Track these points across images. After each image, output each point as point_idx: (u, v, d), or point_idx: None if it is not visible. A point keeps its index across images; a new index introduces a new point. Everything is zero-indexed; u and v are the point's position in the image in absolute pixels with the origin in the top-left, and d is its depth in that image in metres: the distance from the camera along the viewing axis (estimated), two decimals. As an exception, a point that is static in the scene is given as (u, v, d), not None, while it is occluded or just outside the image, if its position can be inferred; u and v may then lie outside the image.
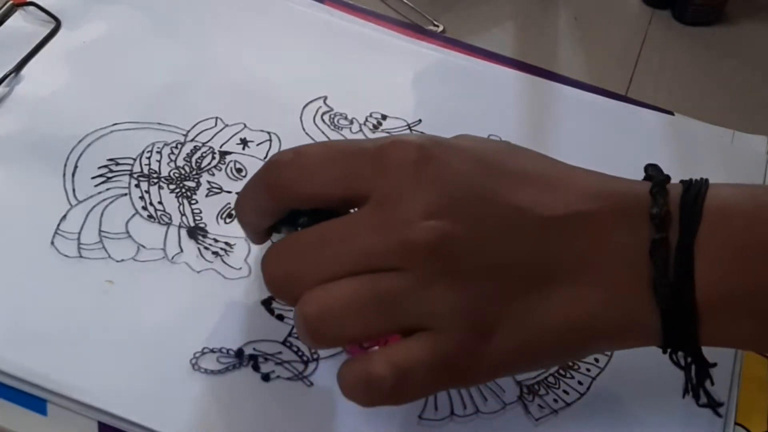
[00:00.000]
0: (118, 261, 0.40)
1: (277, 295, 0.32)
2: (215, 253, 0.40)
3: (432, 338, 0.29)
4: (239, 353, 0.37)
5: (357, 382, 0.30)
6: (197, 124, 0.45)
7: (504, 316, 0.30)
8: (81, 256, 0.39)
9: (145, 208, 0.41)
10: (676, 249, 0.30)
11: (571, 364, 0.38)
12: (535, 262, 0.30)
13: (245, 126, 0.45)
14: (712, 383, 0.34)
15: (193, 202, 0.42)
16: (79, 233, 0.40)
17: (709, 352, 0.37)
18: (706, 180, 0.32)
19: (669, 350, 0.32)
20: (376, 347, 0.38)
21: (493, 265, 0.30)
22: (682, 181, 0.32)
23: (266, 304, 0.39)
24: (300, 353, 0.38)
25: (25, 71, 0.46)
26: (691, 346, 0.31)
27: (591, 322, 0.31)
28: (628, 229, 0.30)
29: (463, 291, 0.29)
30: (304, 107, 0.47)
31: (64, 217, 0.41)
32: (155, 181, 0.43)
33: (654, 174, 0.32)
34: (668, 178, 0.32)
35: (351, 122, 0.46)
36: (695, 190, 0.31)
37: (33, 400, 0.36)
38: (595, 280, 0.30)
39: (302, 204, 0.32)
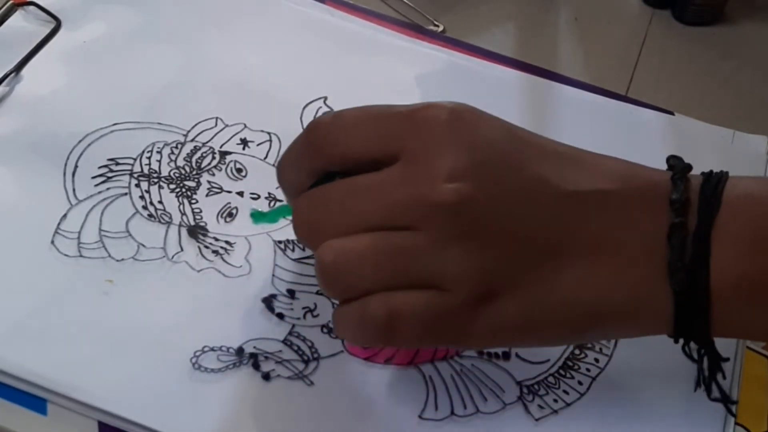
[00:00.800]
0: (118, 260, 0.40)
1: (302, 241, 0.33)
2: (215, 252, 0.40)
3: (435, 293, 0.30)
4: (239, 351, 0.37)
5: (351, 318, 0.31)
6: (197, 124, 0.45)
7: (512, 284, 0.31)
8: (81, 256, 0.39)
9: (145, 207, 0.41)
10: (693, 234, 0.30)
11: (571, 363, 0.38)
12: (552, 235, 0.31)
13: (245, 126, 0.45)
14: (724, 377, 0.34)
15: (194, 201, 0.42)
16: (80, 232, 0.40)
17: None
18: (727, 172, 0.32)
19: (682, 342, 0.32)
20: (377, 353, 0.38)
21: (510, 233, 0.30)
22: (702, 173, 0.32)
23: (267, 302, 0.39)
24: (300, 352, 0.38)
25: (25, 71, 0.46)
26: (703, 335, 0.32)
27: (600, 301, 0.31)
28: (648, 212, 0.31)
29: (476, 256, 0.30)
30: (305, 107, 0.47)
31: (65, 216, 0.41)
32: (155, 180, 0.43)
33: (676, 163, 0.32)
34: (690, 167, 0.32)
35: (351, 122, 0.46)
36: (715, 179, 0.31)
37: (33, 400, 0.36)
38: (610, 259, 0.31)
39: (338, 164, 0.32)
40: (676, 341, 0.32)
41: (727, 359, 0.33)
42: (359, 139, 0.32)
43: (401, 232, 0.30)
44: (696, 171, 0.33)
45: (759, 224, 0.30)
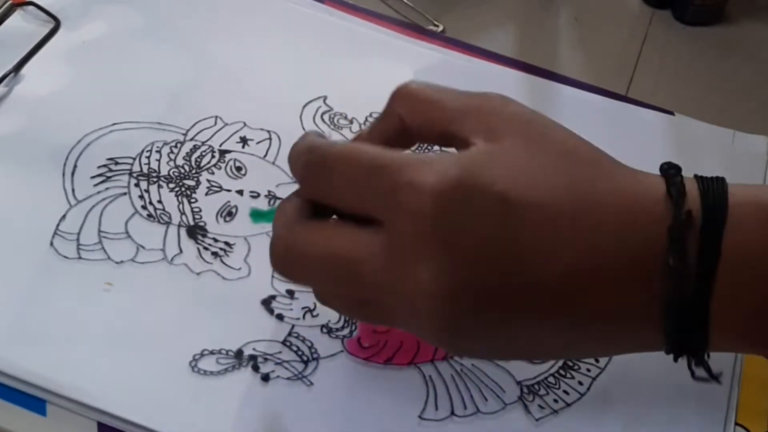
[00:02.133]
0: (117, 262, 0.39)
1: (279, 274, 0.32)
2: (215, 254, 0.40)
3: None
4: (239, 354, 0.37)
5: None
6: (197, 123, 0.45)
7: (480, 338, 0.29)
8: (80, 257, 0.39)
9: (144, 207, 0.41)
10: (691, 302, 0.28)
11: (571, 363, 0.38)
12: (537, 311, 0.29)
13: (245, 124, 0.45)
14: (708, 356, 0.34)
15: (193, 200, 0.42)
16: (79, 234, 0.40)
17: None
18: (724, 215, 0.28)
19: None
20: (377, 353, 0.38)
21: (492, 343, 0.30)
22: (703, 205, 0.28)
23: (266, 303, 0.39)
24: (300, 353, 0.37)
25: (24, 71, 0.46)
26: (700, 359, 0.30)
27: (585, 348, 0.31)
28: (643, 281, 0.28)
29: (449, 345, 0.30)
30: (304, 107, 0.46)
31: (64, 217, 0.41)
32: (155, 180, 0.42)
33: (676, 215, 0.28)
34: (689, 221, 0.28)
35: (351, 122, 0.46)
36: (713, 238, 0.28)
37: (32, 401, 0.36)
38: (601, 329, 0.29)
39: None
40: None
41: (720, 374, 0.33)
42: (346, 200, 0.30)
43: (374, 307, 0.30)
44: (696, 172, 0.32)
45: (760, 292, 0.28)
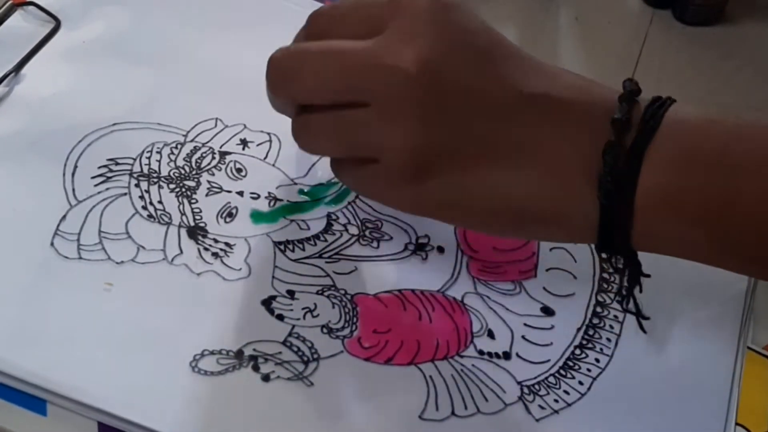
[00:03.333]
0: (117, 263, 0.39)
1: (270, 90, 0.36)
2: (215, 254, 0.40)
3: (372, 163, 0.34)
4: (239, 354, 0.37)
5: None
6: (197, 124, 0.45)
7: (446, 171, 0.33)
8: (81, 258, 0.39)
9: (144, 207, 0.41)
10: (627, 152, 0.31)
11: (571, 364, 0.38)
12: (495, 133, 0.32)
13: (245, 127, 0.45)
14: (641, 290, 0.36)
15: (193, 201, 0.42)
16: (79, 234, 0.40)
17: (705, 344, 0.37)
18: (674, 99, 0.33)
19: (605, 254, 0.34)
20: (377, 353, 0.38)
21: (457, 125, 0.32)
22: (653, 97, 0.33)
23: (266, 303, 0.39)
24: (300, 353, 0.37)
25: (24, 71, 0.46)
26: (625, 246, 0.33)
27: (527, 201, 0.33)
28: (591, 127, 0.32)
29: (414, 137, 0.32)
30: (304, 107, 0.46)
31: (64, 217, 0.41)
32: (155, 180, 0.43)
33: (627, 85, 0.33)
34: (639, 90, 0.33)
35: (351, 122, 0.46)
36: (660, 104, 0.33)
37: (33, 401, 0.36)
38: (544, 162, 0.32)
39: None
40: (599, 252, 0.34)
41: (648, 275, 0.35)
42: (353, 24, 0.34)
43: (354, 110, 0.33)
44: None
45: (689, 145, 0.31)
